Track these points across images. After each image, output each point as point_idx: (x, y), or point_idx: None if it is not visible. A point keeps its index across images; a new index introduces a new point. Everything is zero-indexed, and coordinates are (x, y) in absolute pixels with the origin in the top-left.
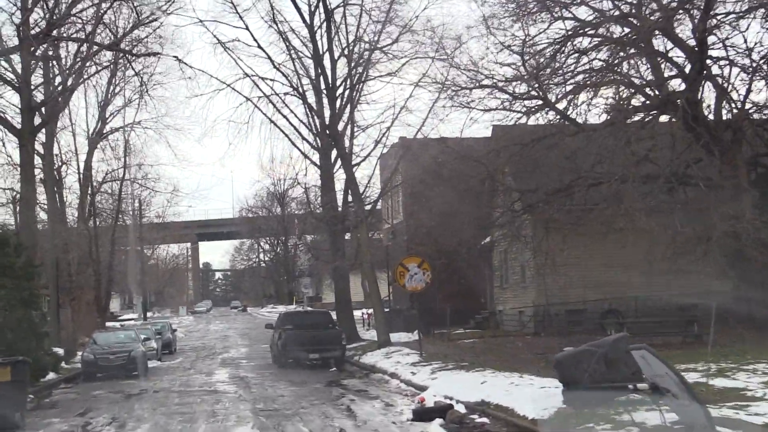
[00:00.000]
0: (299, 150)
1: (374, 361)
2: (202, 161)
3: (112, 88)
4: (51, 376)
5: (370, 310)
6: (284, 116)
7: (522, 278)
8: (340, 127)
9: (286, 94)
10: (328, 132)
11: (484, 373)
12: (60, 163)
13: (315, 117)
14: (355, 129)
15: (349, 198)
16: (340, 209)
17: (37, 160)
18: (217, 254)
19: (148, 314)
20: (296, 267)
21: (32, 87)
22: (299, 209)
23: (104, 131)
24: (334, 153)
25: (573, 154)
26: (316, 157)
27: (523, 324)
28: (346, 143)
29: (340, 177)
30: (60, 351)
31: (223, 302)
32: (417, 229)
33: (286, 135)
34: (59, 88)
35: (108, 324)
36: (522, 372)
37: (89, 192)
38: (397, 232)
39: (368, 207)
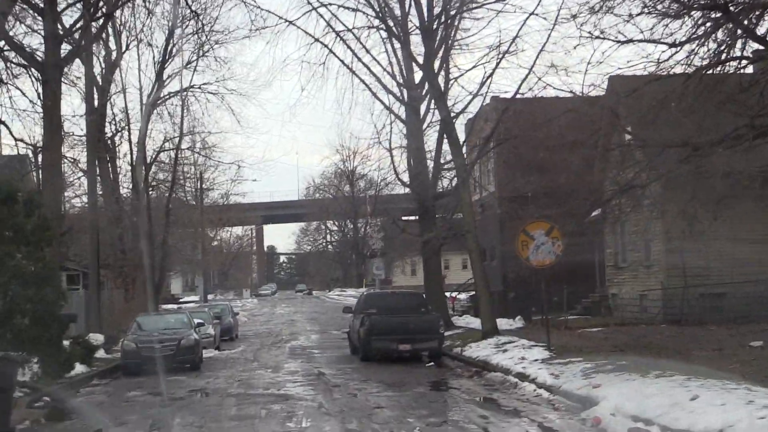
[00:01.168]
0: (381, 102)
1: (484, 354)
2: (267, 129)
3: (169, 47)
4: (81, 369)
5: (455, 293)
6: (364, 64)
7: (646, 256)
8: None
9: (369, 27)
10: (422, 69)
11: (673, 378)
12: (114, 131)
13: (402, 60)
14: (450, 77)
15: (441, 158)
16: (430, 174)
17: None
18: (282, 237)
19: (210, 296)
20: (367, 248)
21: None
22: (369, 187)
23: (161, 95)
24: (423, 107)
25: (743, 92)
26: (401, 112)
27: (647, 310)
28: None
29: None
30: (99, 338)
31: (288, 285)
32: (516, 198)
33: (367, 85)
34: (90, 10)
35: (165, 306)
36: (735, 379)
37: (144, 162)
38: (487, 205)
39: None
